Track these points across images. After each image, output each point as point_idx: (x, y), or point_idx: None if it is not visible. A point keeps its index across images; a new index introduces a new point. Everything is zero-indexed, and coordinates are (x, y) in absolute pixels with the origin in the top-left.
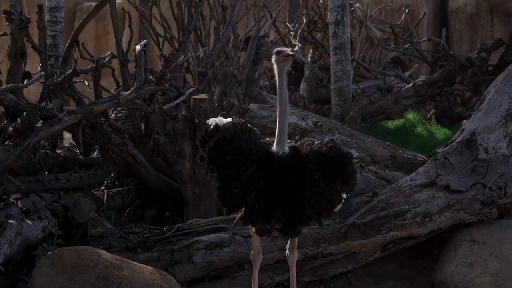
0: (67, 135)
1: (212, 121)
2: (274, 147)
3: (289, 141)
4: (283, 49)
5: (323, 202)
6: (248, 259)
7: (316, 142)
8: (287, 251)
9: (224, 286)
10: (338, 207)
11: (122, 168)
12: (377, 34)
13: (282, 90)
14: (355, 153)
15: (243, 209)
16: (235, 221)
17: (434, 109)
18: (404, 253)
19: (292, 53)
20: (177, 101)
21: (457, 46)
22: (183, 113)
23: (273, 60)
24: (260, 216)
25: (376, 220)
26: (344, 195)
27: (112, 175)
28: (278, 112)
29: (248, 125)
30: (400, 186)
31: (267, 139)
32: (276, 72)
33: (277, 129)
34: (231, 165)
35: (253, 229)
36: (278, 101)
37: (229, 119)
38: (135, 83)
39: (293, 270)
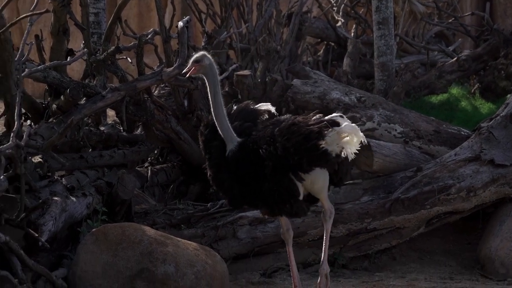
0: (110, 112)
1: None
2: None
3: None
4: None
5: (280, 190)
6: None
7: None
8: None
9: (268, 261)
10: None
11: (165, 145)
12: (421, 9)
13: (211, 95)
14: (398, 128)
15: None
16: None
17: (478, 84)
18: (448, 228)
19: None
20: (220, 77)
21: (501, 20)
22: (226, 89)
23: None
24: (236, 202)
25: (420, 195)
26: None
27: (155, 151)
28: (213, 114)
29: (251, 107)
30: (444, 161)
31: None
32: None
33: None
34: (209, 160)
35: None
36: (211, 105)
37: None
38: (177, 59)
39: (328, 228)
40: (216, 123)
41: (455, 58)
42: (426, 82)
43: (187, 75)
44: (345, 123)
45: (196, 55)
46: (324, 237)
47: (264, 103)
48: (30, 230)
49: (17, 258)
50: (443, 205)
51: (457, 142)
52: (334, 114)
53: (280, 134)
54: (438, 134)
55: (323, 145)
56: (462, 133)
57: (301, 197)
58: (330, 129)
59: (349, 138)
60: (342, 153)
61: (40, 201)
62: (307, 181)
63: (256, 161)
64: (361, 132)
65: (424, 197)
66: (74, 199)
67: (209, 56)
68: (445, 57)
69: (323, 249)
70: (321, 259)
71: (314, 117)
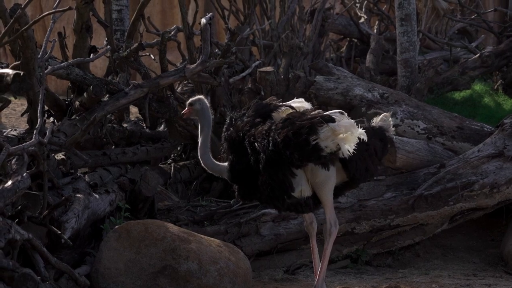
0: (133, 109)
1: None
2: None
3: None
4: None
5: (274, 184)
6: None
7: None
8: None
9: (291, 258)
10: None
11: (188, 141)
12: (443, 5)
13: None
14: (422, 124)
15: None
16: None
17: (501, 80)
18: (472, 225)
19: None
20: (243, 74)
21: None
22: (249, 85)
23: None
24: (243, 195)
25: (444, 191)
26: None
27: (178, 148)
28: (199, 153)
29: (265, 102)
30: (468, 157)
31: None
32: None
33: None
34: None
35: None
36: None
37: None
38: (200, 56)
39: (326, 247)
40: (200, 160)
41: (478, 55)
42: (449, 78)
43: (184, 116)
44: (342, 119)
45: (191, 99)
46: (322, 256)
47: (298, 99)
48: (53, 227)
49: (39, 255)
50: (466, 202)
51: (480, 139)
52: (334, 111)
53: (273, 129)
54: (461, 130)
55: (315, 140)
56: (485, 129)
57: (296, 193)
58: (324, 125)
59: (345, 135)
60: (340, 150)
61: (63, 198)
62: (307, 176)
63: (254, 155)
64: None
65: (447, 193)
66: (97, 196)
67: (203, 100)
68: (468, 54)
69: (320, 268)
70: (317, 277)
71: (313, 112)
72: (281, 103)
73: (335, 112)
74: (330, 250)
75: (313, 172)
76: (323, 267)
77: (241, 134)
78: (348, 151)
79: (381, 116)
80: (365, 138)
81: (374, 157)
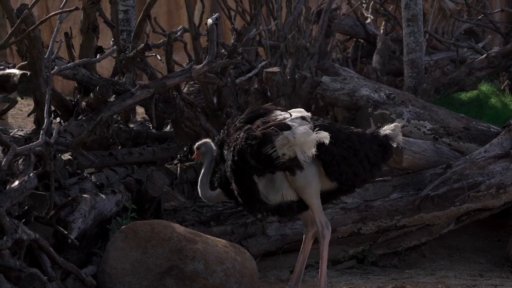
0: (139, 110)
1: None
2: None
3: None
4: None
5: (242, 190)
6: None
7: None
8: None
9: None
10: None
11: (194, 142)
12: (450, 6)
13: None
14: (428, 125)
15: None
16: None
17: (508, 80)
18: (478, 225)
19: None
20: (249, 74)
21: None
22: (256, 86)
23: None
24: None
25: (450, 192)
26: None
27: (185, 148)
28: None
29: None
30: (474, 157)
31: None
32: None
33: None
34: None
35: None
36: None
37: None
38: (207, 57)
39: (321, 249)
40: (199, 192)
41: (484, 55)
42: (456, 79)
43: (193, 159)
44: (296, 125)
45: (198, 143)
46: (320, 260)
47: (298, 109)
48: (60, 227)
49: (46, 255)
50: (472, 202)
51: (487, 139)
52: (295, 116)
53: (237, 137)
54: (468, 131)
55: (268, 150)
56: (492, 130)
57: (273, 198)
58: (279, 134)
59: (300, 141)
60: (299, 155)
61: (70, 198)
62: (289, 180)
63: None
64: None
65: (453, 194)
66: (103, 196)
67: (208, 144)
68: (475, 54)
69: (320, 272)
70: (319, 282)
71: (272, 122)
72: (275, 108)
73: (296, 118)
74: (326, 253)
75: (291, 178)
76: (323, 271)
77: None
78: (306, 155)
79: (393, 125)
80: (326, 142)
81: (366, 163)
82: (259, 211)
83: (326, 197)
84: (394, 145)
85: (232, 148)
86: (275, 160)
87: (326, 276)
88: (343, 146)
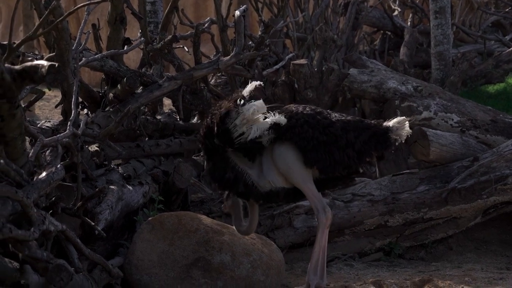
0: (167, 101)
1: None
2: None
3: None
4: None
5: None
6: (348, 224)
7: None
8: None
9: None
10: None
11: None
12: None
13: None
14: (455, 118)
15: None
16: None
17: None
18: (505, 218)
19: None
20: (277, 66)
21: None
22: (283, 78)
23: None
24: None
25: (477, 184)
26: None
27: None
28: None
29: None
30: (501, 150)
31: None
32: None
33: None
34: None
35: None
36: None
37: None
38: (234, 48)
39: (318, 236)
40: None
41: None
42: (483, 71)
43: (224, 211)
44: (254, 106)
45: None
46: (314, 246)
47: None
48: (87, 218)
49: (73, 246)
50: (499, 195)
51: None
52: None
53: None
54: (495, 123)
55: (227, 125)
56: None
57: (263, 183)
58: (237, 111)
59: (255, 118)
60: (251, 133)
61: (97, 189)
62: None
63: None
64: (419, 120)
65: (480, 187)
66: (130, 187)
67: (235, 198)
68: (502, 47)
69: (312, 256)
70: (308, 267)
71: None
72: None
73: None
74: (322, 239)
75: (274, 163)
76: (314, 255)
77: None
78: (257, 131)
79: (401, 118)
80: (282, 122)
81: (350, 150)
82: (255, 198)
83: (323, 184)
84: (394, 137)
85: (201, 131)
86: (234, 136)
87: (317, 264)
88: (324, 132)
